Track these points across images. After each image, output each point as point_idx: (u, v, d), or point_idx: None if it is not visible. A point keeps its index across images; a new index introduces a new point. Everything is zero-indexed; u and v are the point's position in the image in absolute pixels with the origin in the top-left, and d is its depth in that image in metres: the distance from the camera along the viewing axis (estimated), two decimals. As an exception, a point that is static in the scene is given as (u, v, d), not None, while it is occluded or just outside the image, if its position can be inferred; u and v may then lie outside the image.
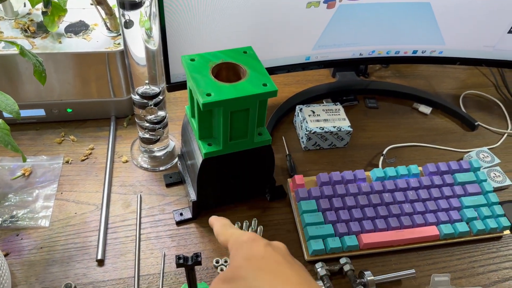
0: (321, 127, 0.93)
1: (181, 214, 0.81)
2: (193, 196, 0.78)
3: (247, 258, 0.48)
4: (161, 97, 0.79)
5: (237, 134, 0.69)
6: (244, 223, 0.76)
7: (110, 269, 0.73)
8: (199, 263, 0.60)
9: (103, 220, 0.78)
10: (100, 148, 0.91)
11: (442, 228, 0.79)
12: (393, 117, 1.07)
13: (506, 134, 1.04)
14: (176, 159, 0.89)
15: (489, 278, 0.77)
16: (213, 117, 0.68)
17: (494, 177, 0.92)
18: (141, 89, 0.77)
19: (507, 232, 0.83)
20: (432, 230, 0.79)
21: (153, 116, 0.81)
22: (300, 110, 0.98)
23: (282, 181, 0.88)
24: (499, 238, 0.83)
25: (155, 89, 0.77)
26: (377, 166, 0.92)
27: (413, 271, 0.75)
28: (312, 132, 0.93)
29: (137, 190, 0.85)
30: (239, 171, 0.77)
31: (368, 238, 0.77)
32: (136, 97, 0.78)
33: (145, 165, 0.89)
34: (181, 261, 0.59)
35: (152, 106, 0.79)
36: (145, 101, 0.78)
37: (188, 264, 0.59)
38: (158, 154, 0.89)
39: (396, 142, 0.99)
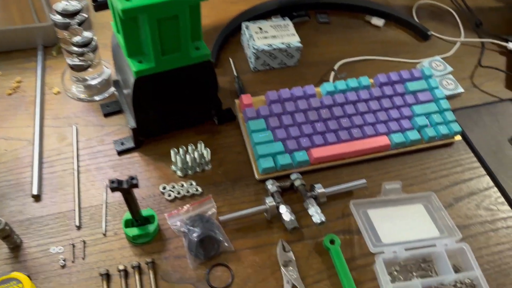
0: (268, 44, 0.88)
1: (122, 143, 0.76)
2: (132, 123, 0.73)
3: None
4: (84, 15, 0.71)
5: (170, 47, 0.63)
6: (189, 146, 0.72)
7: (48, 203, 0.69)
8: (135, 186, 0.56)
9: (36, 155, 0.72)
10: (28, 81, 0.83)
11: (393, 138, 0.78)
12: (345, 31, 1.02)
13: (458, 43, 1.01)
14: (112, 88, 0.82)
15: (440, 183, 0.78)
16: (139, 29, 0.61)
17: (446, 85, 0.90)
18: (60, 5, 0.68)
19: (458, 137, 0.83)
20: (383, 140, 0.77)
21: (79, 38, 0.73)
22: (246, 27, 0.91)
23: (231, 103, 0.83)
24: (450, 144, 0.83)
25: (76, 5, 0.69)
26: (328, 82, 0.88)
27: (364, 181, 0.74)
28: (259, 50, 0.87)
29: (72, 122, 0.79)
30: (178, 91, 0.71)
31: (319, 152, 0.74)
32: (56, 17, 0.70)
33: (80, 95, 0.82)
34: (115, 184, 0.55)
35: (75, 26, 0.71)
36: (67, 20, 0.70)
37: (123, 188, 0.56)
38: (92, 82, 0.82)
39: (348, 57, 0.95)
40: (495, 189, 0.78)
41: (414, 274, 0.66)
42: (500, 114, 0.89)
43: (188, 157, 0.71)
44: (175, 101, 0.72)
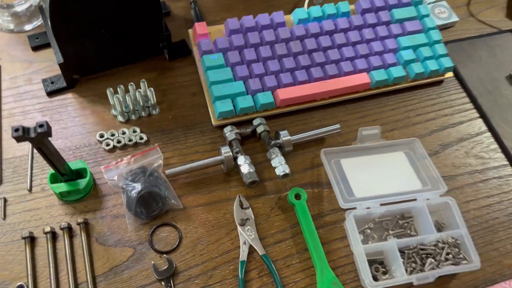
0: (231, -37, 0.74)
1: (52, 82, 0.64)
2: (59, 57, 0.60)
3: None
4: None
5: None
6: (129, 86, 0.60)
7: (-39, 155, 0.58)
8: (47, 134, 0.45)
9: None
10: None
11: (374, 75, 0.66)
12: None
13: (457, -36, 0.87)
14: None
15: (426, 128, 0.67)
16: None
17: (438, 13, 0.78)
18: None
19: (449, 74, 0.72)
20: (362, 78, 0.66)
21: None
22: None
23: (186, 35, 0.71)
24: (440, 82, 0.72)
25: None
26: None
27: (337, 126, 0.63)
28: (220, -30, 0.73)
29: (-7, 57, 0.66)
30: (110, 16, 0.58)
31: (286, 93, 0.63)
32: None
33: (5, 25, 0.68)
34: (20, 133, 0.44)
35: None
36: None
37: (32, 137, 0.45)
38: (19, 9, 0.68)
39: (327, -20, 0.81)
40: (488, 134, 0.68)
41: (391, 232, 0.58)
42: (499, 47, 0.77)
43: (128, 98, 0.60)
44: (109, 29, 0.59)
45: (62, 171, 0.53)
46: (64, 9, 0.53)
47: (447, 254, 0.56)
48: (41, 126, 0.44)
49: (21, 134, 0.44)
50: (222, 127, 0.63)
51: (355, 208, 0.57)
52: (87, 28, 0.57)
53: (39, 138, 0.45)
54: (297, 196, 0.59)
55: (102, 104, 0.64)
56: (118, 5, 0.57)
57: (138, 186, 0.55)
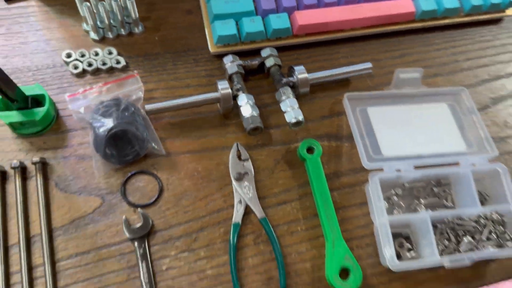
0: None
1: (10, -17, 0.51)
2: None
3: None
4: None
5: None
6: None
7: None
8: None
9: None
10: None
11: (420, 3, 0.52)
12: None
13: None
14: None
15: (476, 76, 0.55)
16: None
17: None
18: None
19: (510, 12, 0.57)
20: (405, 5, 0.52)
21: None
22: None
23: None
24: (498, 20, 0.58)
25: None
26: None
27: (368, 65, 0.51)
28: None
29: None
30: None
31: (307, 17, 0.50)
32: None
33: None
34: None
35: None
36: None
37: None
38: None
39: None
40: (552, 88, 0.55)
41: (422, 201, 0.46)
42: None
43: (101, 8, 0.46)
44: None
45: (11, 96, 0.41)
46: None
47: (490, 233, 0.45)
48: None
49: None
50: (221, 56, 0.50)
51: (381, 169, 0.46)
52: None
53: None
54: (310, 150, 0.47)
55: (72, 17, 0.51)
56: None
57: (109, 123, 0.43)
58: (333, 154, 0.48)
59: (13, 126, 0.43)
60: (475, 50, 0.56)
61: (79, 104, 0.45)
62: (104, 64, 0.48)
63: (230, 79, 0.48)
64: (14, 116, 0.43)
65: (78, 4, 0.47)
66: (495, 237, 0.45)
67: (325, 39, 0.53)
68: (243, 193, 0.45)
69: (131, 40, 0.51)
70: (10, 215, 0.42)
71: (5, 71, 0.40)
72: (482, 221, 0.45)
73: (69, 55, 0.48)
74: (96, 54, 0.49)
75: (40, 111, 0.43)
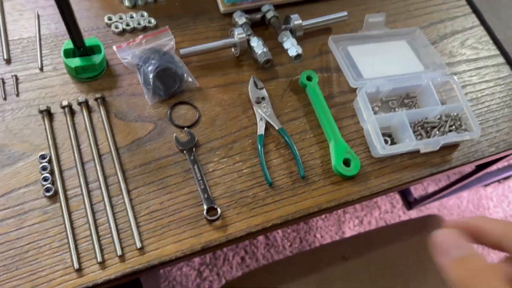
0: None
1: (53, -34, 0.61)
2: None
3: None
4: None
5: None
6: (138, -33, 0.59)
7: (-36, 35, 0.55)
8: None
9: None
10: None
11: (377, -34, 0.68)
12: None
13: None
14: None
15: (424, 20, 0.70)
16: None
17: None
18: None
19: (445, -27, 0.75)
20: (366, -32, 0.67)
21: None
22: None
23: None
24: (436, -20, 0.75)
25: None
26: None
27: (344, 13, 0.65)
28: None
29: None
30: None
31: (294, -20, 0.64)
32: None
33: None
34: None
35: None
36: None
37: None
38: None
39: None
40: (481, 27, 0.72)
41: (397, 110, 0.61)
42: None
43: (137, -21, 0.59)
44: None
45: (78, 43, 0.52)
46: None
47: (450, 126, 0.60)
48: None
49: (45, -16, 0.42)
50: (230, 14, 0.63)
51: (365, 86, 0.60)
52: None
53: (62, -9, 0.44)
54: (309, 78, 0.60)
55: (107, -11, 0.62)
56: None
57: (155, 63, 0.55)
58: (326, 82, 0.62)
59: (75, 70, 0.54)
60: (421, 1, 0.72)
61: (126, 53, 0.56)
62: (139, 24, 0.60)
63: (241, 26, 0.61)
64: (78, 61, 0.53)
65: (116, -24, 0.58)
66: (454, 128, 0.60)
67: (309, -1, 0.67)
68: (263, 112, 0.57)
69: (157, 6, 0.62)
70: (81, 139, 0.52)
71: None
72: (444, 118, 0.60)
73: (110, 18, 0.59)
74: (132, 17, 0.60)
75: (98, 56, 0.54)
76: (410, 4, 0.71)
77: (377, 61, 0.64)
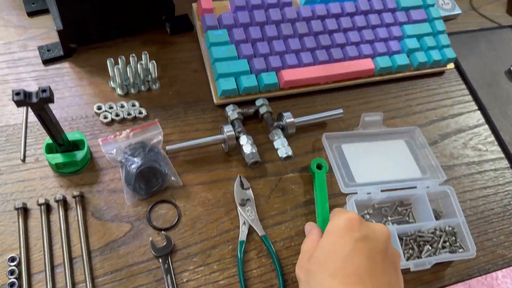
0: None
1: (48, 50, 0.61)
2: (58, 23, 0.57)
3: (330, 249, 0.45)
4: None
5: None
6: (130, 57, 0.58)
7: (-50, 121, 0.55)
8: (49, 100, 0.43)
9: None
10: None
11: (378, 61, 0.66)
12: None
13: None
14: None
15: (426, 117, 0.68)
16: None
17: (442, 4, 0.78)
18: None
19: (450, 66, 0.72)
20: (366, 64, 0.65)
21: None
22: None
23: (189, 10, 0.69)
24: (441, 73, 0.72)
25: None
26: (308, -8, 0.74)
27: (340, 110, 0.63)
28: None
29: (-15, 20, 0.63)
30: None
31: (290, 74, 0.62)
32: None
33: (-4, -13, 0.65)
34: (20, 97, 0.42)
35: None
36: None
37: (33, 102, 0.43)
38: (14, -29, 0.65)
39: (333, -37, 0.80)
40: (486, 126, 0.69)
41: (389, 218, 0.58)
42: (499, 42, 0.78)
43: (129, 70, 0.58)
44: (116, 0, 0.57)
45: (60, 141, 0.51)
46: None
47: (444, 242, 0.56)
48: (43, 91, 0.42)
49: (22, 99, 0.41)
50: (223, 106, 0.62)
51: (356, 193, 0.57)
52: (91, -5, 0.55)
53: (40, 104, 0.43)
54: (319, 167, 0.58)
55: (100, 76, 0.61)
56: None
57: (138, 161, 0.53)
58: (317, 182, 0.60)
59: (56, 166, 0.53)
60: (424, 97, 0.70)
61: (110, 147, 0.55)
62: (129, 114, 0.59)
63: (232, 123, 0.59)
64: (59, 157, 0.52)
65: (109, 66, 0.58)
66: (448, 245, 0.56)
67: (306, 91, 0.65)
68: (247, 216, 0.55)
69: (150, 94, 0.62)
70: (54, 240, 0.50)
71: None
72: (438, 232, 0.57)
73: (99, 107, 0.58)
74: (122, 106, 0.59)
75: (80, 153, 0.53)
76: (411, 99, 0.69)
77: (372, 163, 0.61)
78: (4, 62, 0.60)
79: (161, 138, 0.57)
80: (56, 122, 0.48)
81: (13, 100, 0.41)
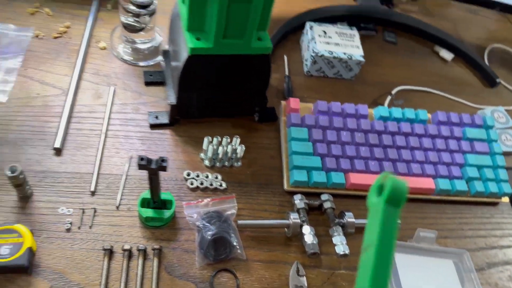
0: (330, 51, 0.82)
1: (156, 117, 0.72)
2: (172, 99, 0.69)
3: None
4: (152, -24, 0.67)
5: (233, 32, 0.58)
6: (224, 139, 0.67)
7: (68, 160, 0.65)
8: (164, 169, 0.52)
9: (67, 107, 0.69)
10: (76, 28, 0.80)
11: (439, 183, 0.72)
12: (410, 57, 0.96)
13: (527, 98, 0.95)
14: (160, 57, 0.78)
15: (476, 243, 0.72)
16: (207, 5, 0.57)
17: (505, 140, 0.84)
18: (128, -40, 0.65)
19: (505, 199, 0.77)
20: (428, 183, 0.72)
21: (140, -3, 0.69)
22: (311, 28, 0.86)
23: (276, 104, 0.79)
24: (495, 204, 0.77)
25: (145, -37, 0.65)
26: (383, 106, 0.83)
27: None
28: (319, 54, 0.82)
29: (111, 82, 0.75)
30: (228, 78, 0.67)
31: (357, 178, 0.69)
32: (123, -29, 0.66)
33: (125, 57, 0.78)
34: (144, 162, 0.51)
35: (140, -15, 0.67)
36: (132, -24, 0.66)
37: (152, 168, 0.52)
38: (141, 46, 0.78)
39: (409, 84, 0.89)
40: (535, 263, 0.72)
41: (429, 334, 0.61)
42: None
43: (220, 149, 0.67)
44: (222, 88, 0.68)
45: (156, 199, 0.59)
46: (195, 68, 0.62)
47: None
48: (163, 160, 0.51)
49: (145, 164, 0.51)
50: (292, 193, 0.69)
51: (401, 302, 0.61)
52: (207, 84, 0.66)
53: (156, 170, 0.52)
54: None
55: (193, 147, 0.71)
56: (240, 73, 0.66)
57: (213, 229, 0.60)
58: (365, 283, 0.64)
59: (146, 219, 0.61)
60: (477, 223, 0.74)
61: (192, 211, 0.63)
62: (211, 185, 0.67)
63: (297, 212, 0.66)
64: (150, 212, 0.60)
65: (205, 142, 0.67)
66: None
67: (367, 195, 0.72)
68: (297, 301, 0.60)
69: (231, 170, 0.70)
70: (129, 285, 0.57)
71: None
72: None
73: (188, 174, 0.67)
74: (207, 176, 0.68)
75: (168, 212, 0.61)
76: (464, 223, 0.73)
77: (420, 277, 0.65)
78: (118, 119, 0.71)
79: (235, 212, 0.64)
80: (159, 184, 0.57)
81: (138, 164, 0.51)
